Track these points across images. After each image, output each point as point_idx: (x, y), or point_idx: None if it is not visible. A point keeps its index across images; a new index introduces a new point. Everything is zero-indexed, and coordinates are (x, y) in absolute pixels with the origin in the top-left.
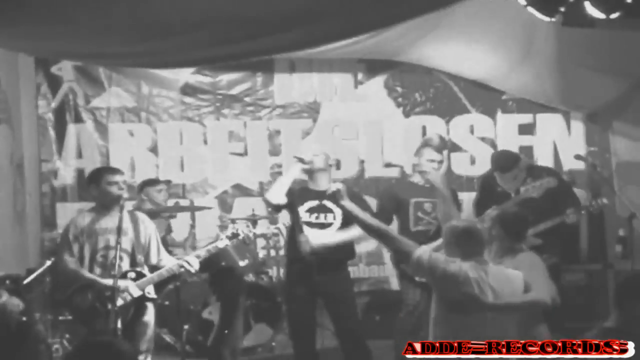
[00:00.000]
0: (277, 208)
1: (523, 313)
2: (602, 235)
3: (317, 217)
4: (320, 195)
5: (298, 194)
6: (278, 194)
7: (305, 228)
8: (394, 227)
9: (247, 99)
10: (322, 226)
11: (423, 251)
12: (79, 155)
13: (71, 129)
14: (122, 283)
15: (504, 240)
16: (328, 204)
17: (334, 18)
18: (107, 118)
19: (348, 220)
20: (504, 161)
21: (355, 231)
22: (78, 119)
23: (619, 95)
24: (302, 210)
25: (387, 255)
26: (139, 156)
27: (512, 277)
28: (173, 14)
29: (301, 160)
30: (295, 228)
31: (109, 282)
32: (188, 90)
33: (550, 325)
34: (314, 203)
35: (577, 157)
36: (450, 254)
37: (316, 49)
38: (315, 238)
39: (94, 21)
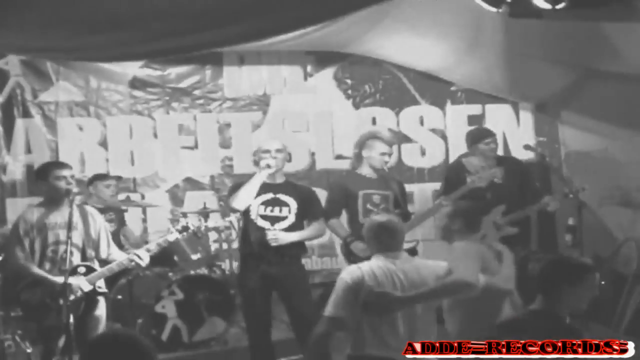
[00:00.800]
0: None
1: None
2: (552, 224)
3: (271, 210)
4: (275, 188)
5: None
6: (244, 203)
7: (260, 227)
8: (342, 220)
9: (196, 92)
10: (277, 219)
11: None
12: (28, 150)
13: (19, 123)
14: (72, 279)
15: (464, 233)
16: (282, 197)
17: (281, 10)
18: (55, 112)
19: (303, 214)
20: (480, 131)
21: (309, 231)
22: (26, 114)
23: (567, 85)
24: (256, 203)
25: (339, 247)
26: (88, 151)
27: (427, 266)
28: (120, 6)
29: (268, 167)
30: (248, 222)
31: (59, 279)
32: (137, 83)
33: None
34: (268, 196)
35: (527, 147)
36: (370, 248)
37: (264, 41)
38: (272, 240)
39: (40, 14)
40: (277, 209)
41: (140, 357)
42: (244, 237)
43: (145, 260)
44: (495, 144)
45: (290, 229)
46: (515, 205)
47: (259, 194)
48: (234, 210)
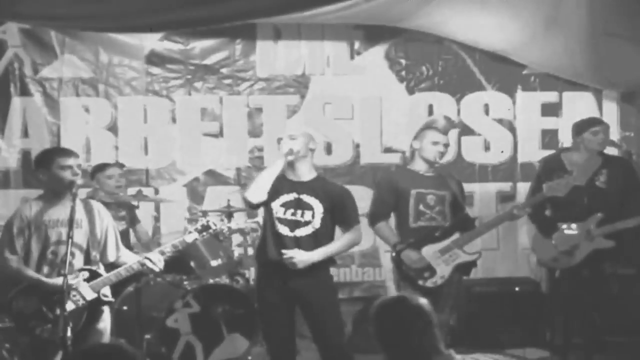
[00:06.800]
0: (256, 207)
1: None
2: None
3: (292, 214)
4: (300, 187)
5: (273, 186)
6: (259, 193)
7: (278, 235)
8: (390, 222)
9: (223, 71)
10: (297, 224)
11: None
12: (25, 134)
13: (16, 103)
14: (73, 283)
15: None
16: (306, 198)
17: None
18: (58, 91)
19: (332, 219)
20: (589, 119)
21: (341, 244)
22: (24, 92)
23: None
24: (276, 204)
25: (384, 255)
26: (95, 136)
27: None
28: None
29: (291, 152)
30: (267, 225)
31: (57, 281)
32: (154, 59)
33: None
34: (290, 196)
35: (610, 143)
36: None
37: (305, 12)
38: (290, 264)
39: None
40: (298, 212)
41: None
42: (262, 241)
43: (159, 265)
44: (605, 134)
45: (313, 236)
46: (618, 215)
47: (282, 192)
48: (250, 205)
